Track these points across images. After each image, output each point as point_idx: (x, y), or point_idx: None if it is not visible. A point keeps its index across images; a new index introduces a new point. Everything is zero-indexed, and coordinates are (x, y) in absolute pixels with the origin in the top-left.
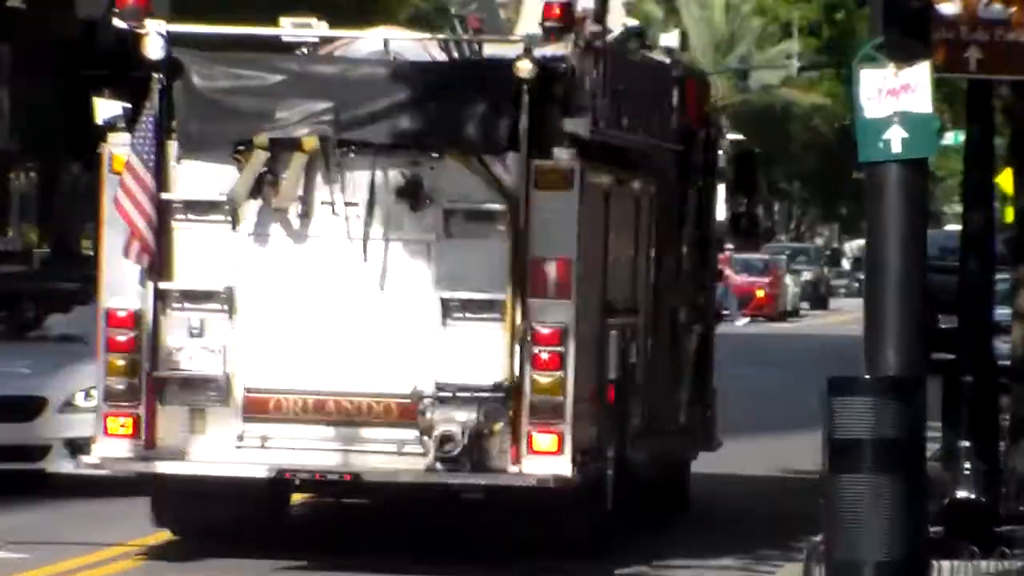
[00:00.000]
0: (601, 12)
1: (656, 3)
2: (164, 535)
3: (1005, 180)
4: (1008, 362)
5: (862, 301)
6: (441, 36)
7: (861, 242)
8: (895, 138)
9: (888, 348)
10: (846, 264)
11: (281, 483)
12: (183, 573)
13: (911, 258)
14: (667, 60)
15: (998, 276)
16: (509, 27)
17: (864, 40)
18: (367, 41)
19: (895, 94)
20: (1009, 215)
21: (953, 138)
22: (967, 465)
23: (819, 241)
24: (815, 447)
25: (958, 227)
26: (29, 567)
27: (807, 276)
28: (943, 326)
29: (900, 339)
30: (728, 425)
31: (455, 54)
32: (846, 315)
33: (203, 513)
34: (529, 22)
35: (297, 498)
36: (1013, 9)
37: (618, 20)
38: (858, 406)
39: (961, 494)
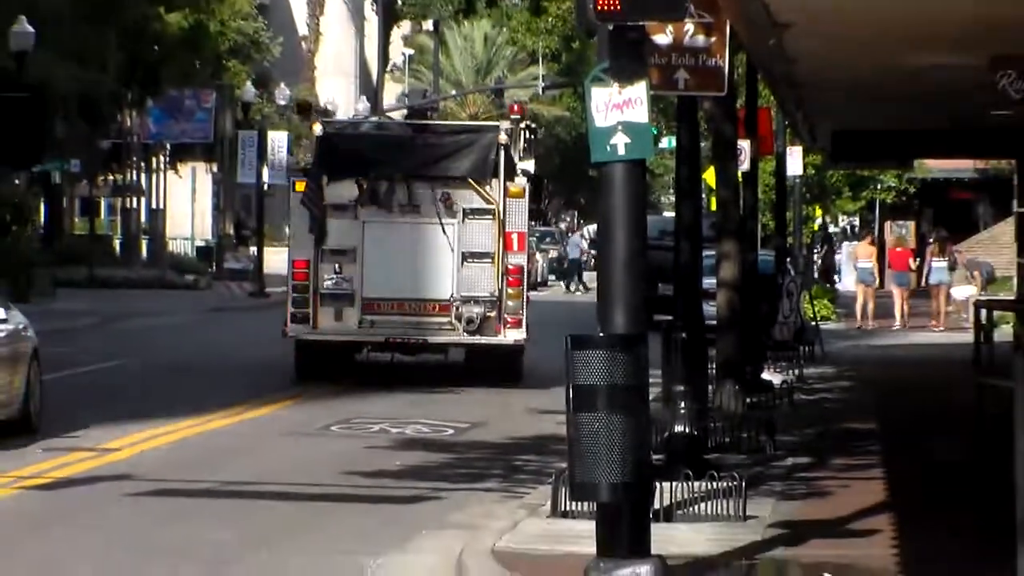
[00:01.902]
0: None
1: (428, 36)
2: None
3: (709, 176)
4: (714, 321)
5: (596, 274)
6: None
7: (595, 226)
8: (620, 143)
9: (617, 311)
10: (584, 244)
11: (381, 344)
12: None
13: (634, 239)
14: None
15: (705, 253)
16: (310, 57)
17: (594, 65)
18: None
19: (619, 108)
20: (713, 204)
21: (668, 142)
22: (682, 405)
23: (563, 225)
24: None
25: (673, 214)
26: None
27: (553, 254)
28: (662, 293)
29: (626, 304)
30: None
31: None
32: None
33: (324, 363)
34: (324, 54)
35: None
36: (713, 39)
37: (397, 50)
38: (594, 358)
39: (678, 428)
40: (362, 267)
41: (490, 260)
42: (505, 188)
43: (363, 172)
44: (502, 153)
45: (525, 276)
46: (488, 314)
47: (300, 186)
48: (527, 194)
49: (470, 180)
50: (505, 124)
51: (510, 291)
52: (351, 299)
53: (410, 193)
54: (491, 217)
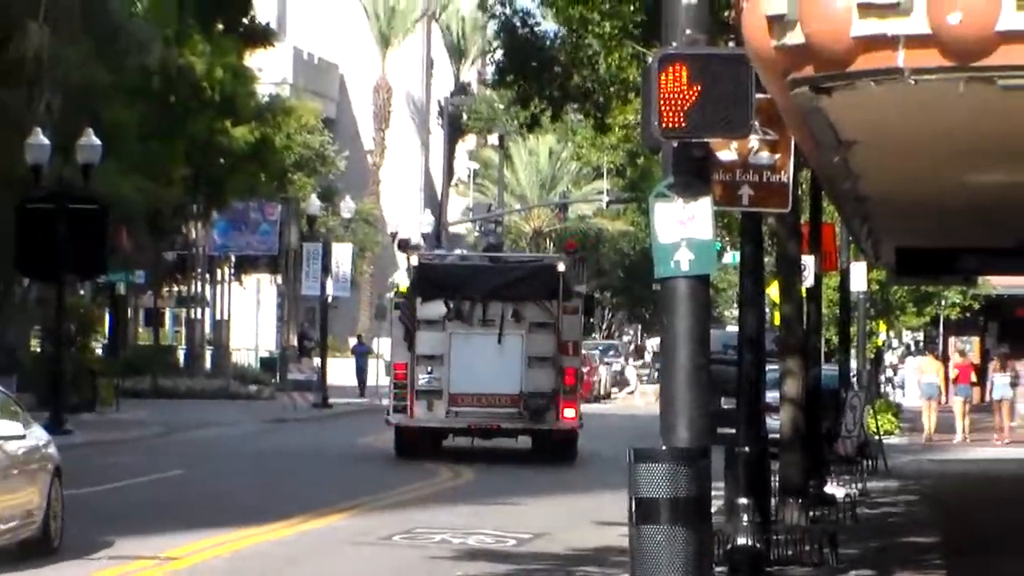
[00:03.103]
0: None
1: (493, 150)
2: None
3: (772, 290)
4: (777, 435)
5: (659, 387)
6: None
7: (658, 339)
8: (683, 259)
9: (680, 425)
10: (647, 357)
11: (463, 430)
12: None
13: (697, 353)
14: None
15: (768, 367)
16: (375, 170)
17: (659, 180)
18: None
19: (683, 223)
20: (776, 319)
21: (731, 258)
22: (745, 518)
23: (625, 338)
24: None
25: (736, 328)
26: None
27: (616, 366)
28: (725, 407)
29: (689, 417)
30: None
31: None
32: (647, 398)
33: (417, 444)
34: (390, 166)
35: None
36: (777, 156)
37: (463, 164)
38: (656, 471)
39: (740, 541)
40: (449, 369)
41: (550, 363)
42: (562, 307)
43: (450, 294)
44: (560, 280)
45: (578, 376)
46: (549, 405)
47: (393, 306)
48: (580, 312)
49: (534, 300)
50: (563, 257)
51: (566, 387)
52: (440, 394)
53: (486, 310)
54: (551, 329)
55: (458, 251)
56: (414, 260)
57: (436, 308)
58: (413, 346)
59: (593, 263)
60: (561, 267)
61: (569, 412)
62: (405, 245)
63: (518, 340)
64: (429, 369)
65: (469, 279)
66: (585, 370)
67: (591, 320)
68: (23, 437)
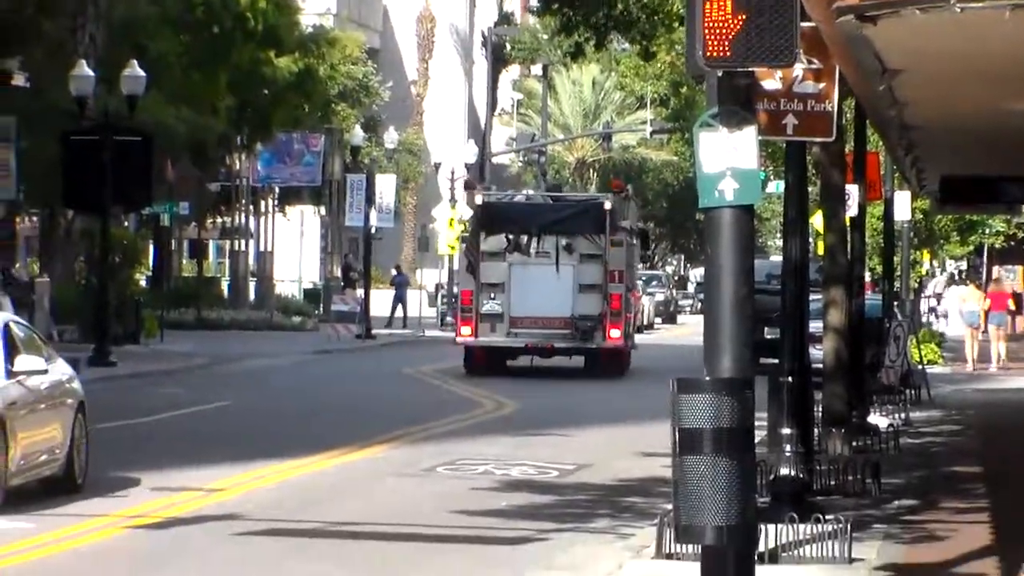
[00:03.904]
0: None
1: (537, 80)
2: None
3: (817, 220)
4: (820, 365)
5: (703, 317)
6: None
7: (702, 270)
8: (728, 188)
9: (724, 355)
10: (691, 288)
11: (522, 349)
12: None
13: (742, 283)
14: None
15: (812, 297)
16: (419, 101)
17: (703, 109)
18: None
19: (728, 153)
20: (820, 248)
21: (775, 187)
22: (788, 448)
23: (669, 269)
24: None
25: (780, 258)
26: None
27: (659, 297)
28: (769, 336)
29: (733, 347)
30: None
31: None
32: (690, 328)
33: (485, 361)
34: (433, 96)
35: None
36: (822, 85)
37: (506, 94)
38: (700, 401)
39: (784, 472)
40: (509, 295)
41: (598, 290)
42: (609, 240)
43: (509, 229)
44: (607, 216)
45: (624, 301)
46: (596, 327)
47: (454, 247)
48: (626, 244)
49: (583, 234)
50: (610, 196)
51: (612, 311)
52: (501, 317)
53: (542, 243)
54: (599, 260)
55: (526, 191)
56: (478, 199)
57: (498, 242)
58: (477, 275)
59: (637, 194)
60: (608, 205)
61: (615, 333)
62: (470, 185)
63: (570, 269)
64: (492, 295)
65: (526, 216)
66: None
67: (647, 252)
68: (45, 372)
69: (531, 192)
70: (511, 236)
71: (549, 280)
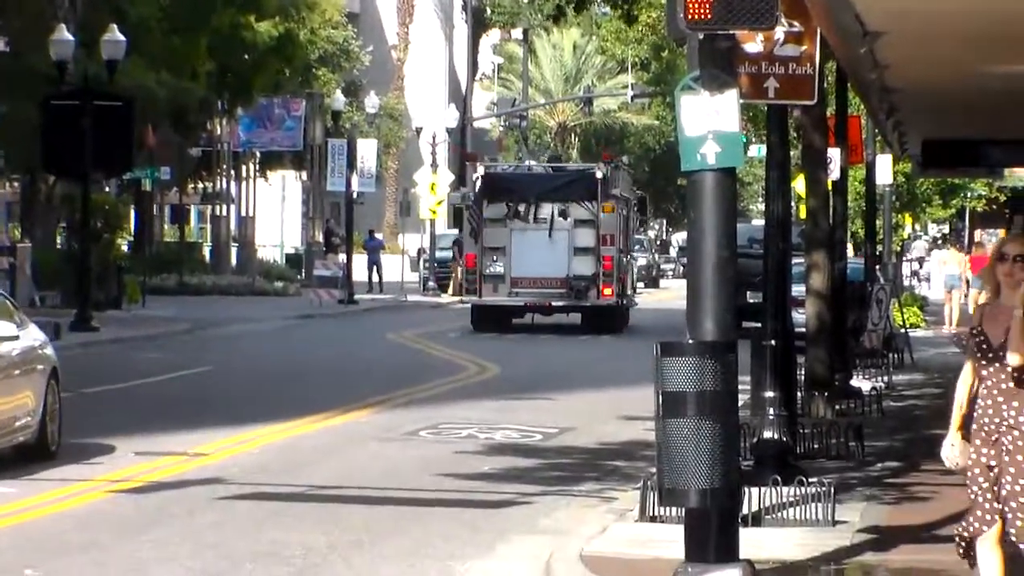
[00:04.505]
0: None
1: (518, 44)
2: None
3: (799, 184)
4: (803, 329)
5: (686, 282)
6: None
7: (684, 234)
8: (710, 152)
9: (706, 319)
10: (673, 252)
11: (522, 307)
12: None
13: (723, 247)
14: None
15: (794, 261)
16: (399, 65)
17: (684, 73)
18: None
19: (709, 116)
20: (803, 212)
21: (757, 151)
22: (771, 411)
23: (651, 233)
24: (650, 397)
25: (762, 222)
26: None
27: (642, 261)
28: (751, 300)
29: (716, 311)
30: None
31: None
32: (673, 293)
33: (490, 319)
34: (414, 61)
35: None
36: (803, 48)
37: (487, 58)
38: (683, 365)
39: (767, 434)
40: (510, 258)
41: (592, 253)
42: (600, 206)
43: (509, 197)
44: (599, 184)
45: (615, 263)
46: (590, 286)
47: (459, 214)
48: (615, 211)
49: (577, 201)
50: (601, 165)
51: (605, 272)
52: (503, 278)
53: (539, 210)
54: (592, 225)
55: (528, 162)
56: (480, 170)
57: (499, 209)
58: (480, 240)
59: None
60: (599, 174)
61: (607, 291)
62: (473, 157)
63: (565, 234)
64: (494, 258)
65: (525, 185)
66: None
67: (645, 218)
68: (16, 338)
69: (533, 163)
70: (511, 204)
71: (546, 244)
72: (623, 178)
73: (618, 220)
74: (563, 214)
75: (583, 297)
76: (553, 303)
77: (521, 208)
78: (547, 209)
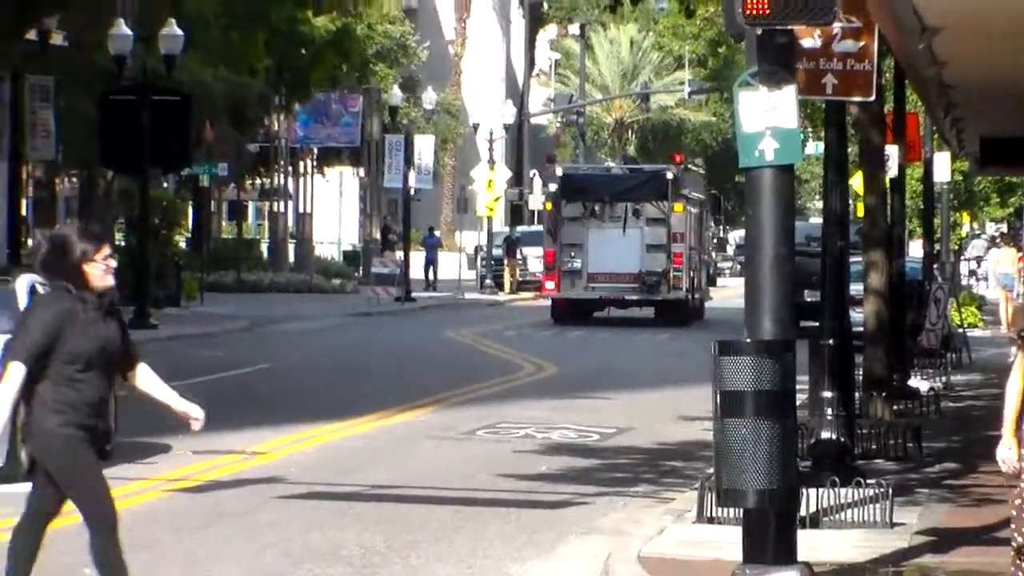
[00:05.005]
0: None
1: (575, 40)
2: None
3: (856, 181)
4: (861, 329)
5: (743, 280)
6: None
7: (742, 232)
8: (768, 148)
9: (764, 317)
10: (730, 250)
11: (597, 301)
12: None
13: (782, 245)
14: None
15: (852, 260)
16: (456, 61)
17: (742, 69)
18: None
19: (767, 112)
20: (860, 210)
21: (814, 148)
22: (829, 412)
23: (708, 232)
24: (707, 396)
25: (820, 220)
26: None
27: None
28: (809, 299)
29: (774, 310)
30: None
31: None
32: (731, 291)
33: (569, 312)
34: (471, 56)
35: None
36: (861, 43)
37: (544, 54)
38: (741, 364)
39: (825, 435)
40: (587, 254)
41: (663, 249)
42: (671, 206)
43: (586, 197)
44: (669, 185)
45: (685, 259)
46: (661, 281)
47: (548, 206)
48: (685, 210)
49: (649, 201)
50: (671, 167)
51: (675, 267)
52: (580, 273)
53: (614, 209)
54: (663, 223)
55: (607, 163)
56: (559, 171)
57: (576, 208)
58: (558, 238)
59: (673, 152)
60: (669, 175)
61: (677, 286)
62: (552, 159)
63: (638, 232)
64: (572, 254)
65: (600, 185)
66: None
67: (718, 217)
68: None
69: (611, 164)
70: (587, 203)
71: (620, 241)
72: (694, 179)
73: (688, 219)
74: (636, 213)
75: (655, 291)
76: (626, 297)
77: (597, 207)
78: (621, 208)
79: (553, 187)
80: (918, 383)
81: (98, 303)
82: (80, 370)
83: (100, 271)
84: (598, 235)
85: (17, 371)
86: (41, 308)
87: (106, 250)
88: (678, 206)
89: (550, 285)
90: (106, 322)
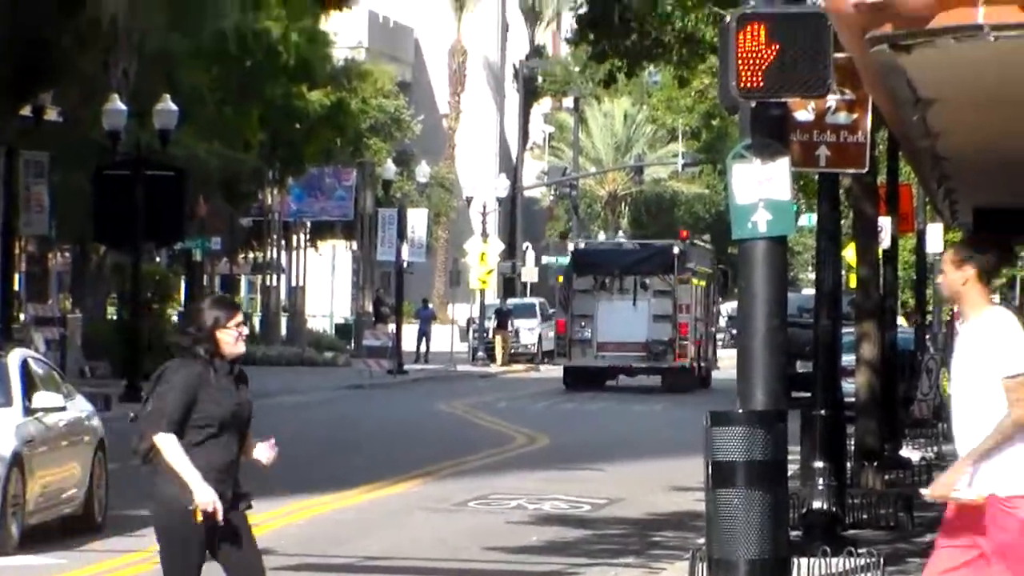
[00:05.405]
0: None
1: (568, 113)
2: None
3: (849, 252)
4: (853, 399)
5: (736, 350)
6: (651, 241)
7: (734, 303)
8: (761, 220)
9: (756, 388)
10: (722, 321)
11: (606, 368)
12: None
13: (774, 316)
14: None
15: (845, 330)
16: (450, 134)
17: (735, 141)
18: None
19: (761, 184)
20: (853, 281)
21: (807, 219)
22: (820, 482)
23: None
24: (700, 466)
25: (813, 291)
26: None
27: None
28: (801, 370)
29: (766, 381)
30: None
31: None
32: (722, 362)
33: (579, 379)
34: (465, 129)
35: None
36: (855, 116)
37: (538, 127)
38: (733, 434)
39: (816, 505)
40: (596, 324)
41: (669, 320)
42: (677, 279)
43: (596, 270)
44: (675, 259)
45: (691, 329)
46: (668, 350)
47: (560, 279)
48: (690, 283)
49: (656, 274)
50: (678, 242)
51: (681, 337)
52: (590, 343)
53: (623, 282)
54: (669, 295)
55: (619, 238)
56: (570, 246)
57: (587, 281)
58: (570, 309)
59: (668, 227)
60: (676, 250)
61: (683, 355)
62: (565, 235)
63: (645, 303)
64: (583, 324)
65: (610, 259)
66: None
67: (727, 287)
68: (64, 409)
69: (622, 239)
70: (597, 276)
71: (628, 312)
72: (702, 253)
73: (693, 291)
74: (644, 285)
75: (661, 359)
76: (634, 365)
77: (607, 280)
78: (629, 281)
79: (565, 260)
80: (910, 453)
81: (229, 368)
82: (213, 435)
83: (232, 338)
84: (607, 306)
85: (170, 440)
86: (174, 375)
87: (238, 317)
88: (683, 279)
89: (561, 358)
90: (238, 388)
